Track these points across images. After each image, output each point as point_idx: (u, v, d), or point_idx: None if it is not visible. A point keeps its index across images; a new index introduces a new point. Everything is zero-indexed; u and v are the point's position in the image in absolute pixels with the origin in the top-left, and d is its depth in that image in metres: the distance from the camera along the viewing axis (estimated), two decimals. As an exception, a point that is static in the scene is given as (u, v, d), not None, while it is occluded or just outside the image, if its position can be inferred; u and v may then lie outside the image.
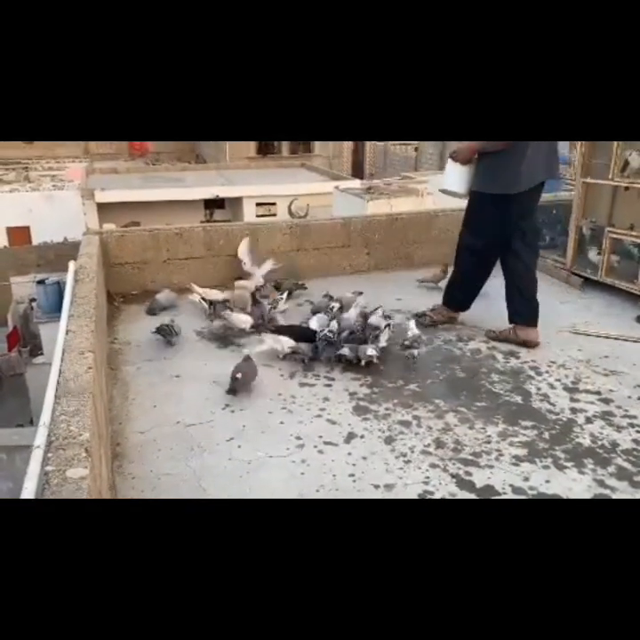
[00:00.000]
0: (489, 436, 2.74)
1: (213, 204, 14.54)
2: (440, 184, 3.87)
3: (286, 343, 3.40)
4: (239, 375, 3.08)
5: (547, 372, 3.33)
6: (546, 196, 5.67)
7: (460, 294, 3.88)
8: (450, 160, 3.66)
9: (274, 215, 13.44)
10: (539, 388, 3.15)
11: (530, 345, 3.61)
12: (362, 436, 2.72)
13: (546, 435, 2.75)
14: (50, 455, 1.76)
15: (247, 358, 3.18)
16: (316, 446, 2.64)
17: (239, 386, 3.06)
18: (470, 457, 2.57)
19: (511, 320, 3.67)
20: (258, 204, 14.04)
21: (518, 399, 3.05)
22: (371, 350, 3.26)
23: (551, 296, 4.53)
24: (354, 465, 2.51)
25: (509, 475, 2.46)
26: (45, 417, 1.96)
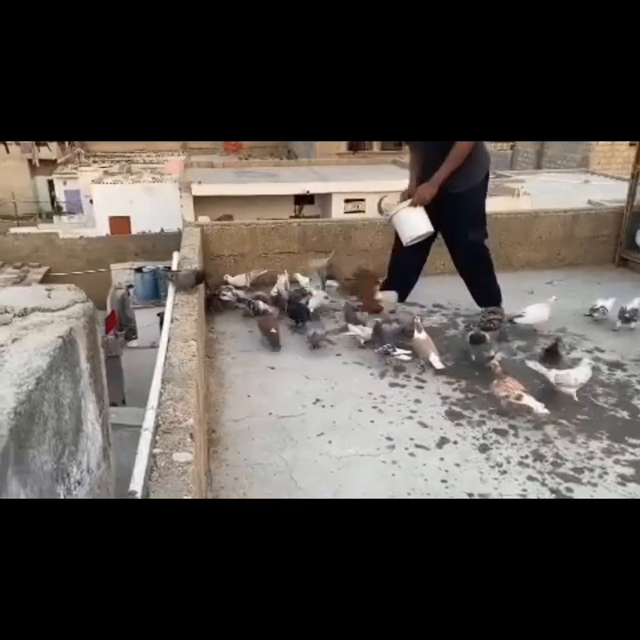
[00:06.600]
0: (592, 451, 2.59)
1: (303, 200, 14.68)
2: (409, 237, 3.79)
3: (366, 331, 3.47)
4: (274, 330, 3.28)
5: (657, 387, 3.12)
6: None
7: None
8: (407, 210, 3.73)
9: (362, 211, 13.40)
10: (648, 405, 2.95)
11: None
12: (455, 442, 2.65)
13: (656, 455, 2.57)
14: (157, 438, 1.83)
15: (264, 312, 3.54)
16: (406, 448, 2.60)
17: (279, 338, 3.29)
18: (571, 472, 2.45)
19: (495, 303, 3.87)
20: (346, 201, 14.04)
21: (625, 414, 2.87)
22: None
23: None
24: (446, 471, 2.45)
25: (614, 495, 2.32)
26: (153, 401, 2.04)
